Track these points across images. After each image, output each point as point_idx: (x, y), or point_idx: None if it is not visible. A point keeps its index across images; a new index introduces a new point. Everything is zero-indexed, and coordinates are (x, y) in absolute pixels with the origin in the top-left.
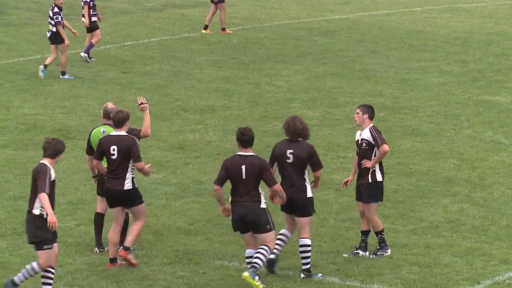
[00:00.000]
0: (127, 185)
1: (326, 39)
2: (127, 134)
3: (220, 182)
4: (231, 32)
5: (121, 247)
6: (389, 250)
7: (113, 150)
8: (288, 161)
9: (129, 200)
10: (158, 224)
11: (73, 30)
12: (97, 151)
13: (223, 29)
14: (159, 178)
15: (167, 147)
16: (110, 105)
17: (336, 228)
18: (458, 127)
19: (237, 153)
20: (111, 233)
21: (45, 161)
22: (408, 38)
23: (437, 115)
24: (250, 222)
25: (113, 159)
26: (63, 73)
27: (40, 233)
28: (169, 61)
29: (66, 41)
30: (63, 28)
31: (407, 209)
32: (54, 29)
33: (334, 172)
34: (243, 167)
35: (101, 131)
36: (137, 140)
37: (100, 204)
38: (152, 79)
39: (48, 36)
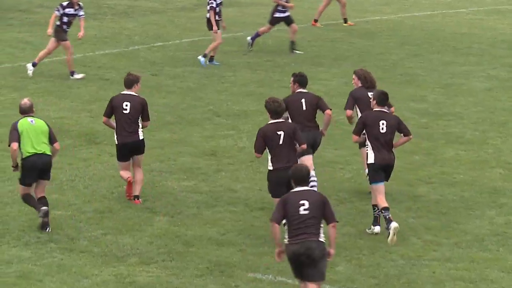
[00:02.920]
0: (141, 136)
1: (366, 41)
2: (137, 94)
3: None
4: (321, 26)
5: (134, 198)
6: (376, 228)
7: (126, 105)
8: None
9: (142, 148)
10: (189, 234)
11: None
12: (108, 108)
13: (315, 21)
14: (189, 186)
15: (198, 153)
16: (24, 100)
17: (375, 241)
18: (505, 135)
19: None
20: (124, 173)
21: None
22: (452, 40)
23: (483, 122)
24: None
25: (126, 113)
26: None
27: None
28: (201, 64)
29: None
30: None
31: (451, 221)
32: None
33: None
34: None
35: (29, 120)
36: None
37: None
38: (182, 82)
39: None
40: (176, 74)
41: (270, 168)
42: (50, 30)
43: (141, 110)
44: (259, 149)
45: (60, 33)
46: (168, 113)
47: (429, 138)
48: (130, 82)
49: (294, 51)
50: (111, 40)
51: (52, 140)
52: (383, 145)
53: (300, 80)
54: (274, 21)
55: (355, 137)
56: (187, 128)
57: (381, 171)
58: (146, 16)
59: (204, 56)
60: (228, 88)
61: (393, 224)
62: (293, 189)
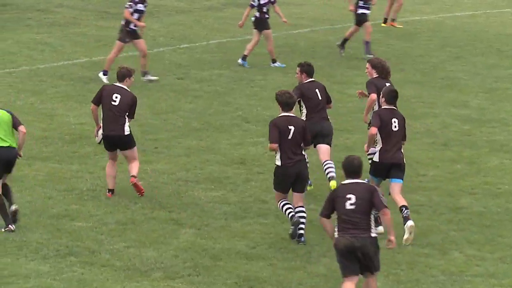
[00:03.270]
0: (127, 131)
1: (404, 43)
2: (128, 89)
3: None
4: (400, 27)
5: (131, 176)
6: (379, 228)
7: (116, 97)
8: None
9: (128, 143)
10: (216, 247)
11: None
12: (97, 96)
13: (392, 21)
14: (217, 196)
15: (227, 161)
16: None
17: (414, 255)
18: None
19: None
20: (110, 167)
21: None
22: (496, 42)
23: None
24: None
25: (114, 105)
26: None
27: None
28: (229, 66)
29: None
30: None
31: (495, 234)
32: (257, 14)
33: (413, 191)
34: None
35: (5, 111)
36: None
37: None
38: (210, 86)
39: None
40: (203, 77)
41: (278, 163)
42: (141, 23)
43: (130, 106)
44: (275, 139)
45: (125, 34)
46: (194, 119)
47: (472, 146)
48: (122, 75)
49: (341, 50)
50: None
51: (16, 124)
52: (395, 144)
53: (308, 70)
54: (360, 20)
55: (374, 129)
56: (214, 135)
57: (384, 170)
58: (172, 16)
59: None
60: (258, 92)
61: (409, 223)
62: (297, 185)
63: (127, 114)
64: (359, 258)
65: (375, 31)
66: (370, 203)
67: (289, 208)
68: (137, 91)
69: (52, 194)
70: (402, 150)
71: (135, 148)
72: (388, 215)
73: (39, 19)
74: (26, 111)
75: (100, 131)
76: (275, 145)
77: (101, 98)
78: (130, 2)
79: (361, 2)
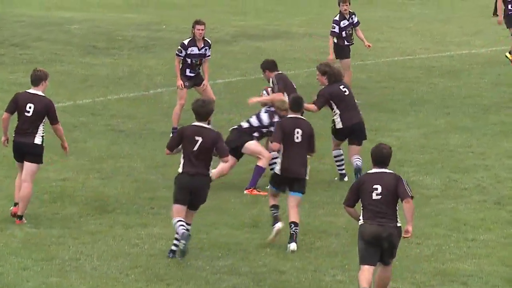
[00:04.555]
0: (37, 140)
1: (450, 81)
2: (43, 95)
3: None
4: None
5: (17, 217)
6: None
7: (29, 107)
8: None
9: (36, 155)
10: None
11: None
12: (11, 103)
13: None
14: (225, 265)
15: (237, 224)
16: None
17: None
18: None
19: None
20: (19, 179)
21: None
22: None
23: None
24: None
25: (28, 116)
26: None
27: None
28: (239, 110)
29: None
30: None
31: None
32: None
33: (460, 259)
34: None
35: None
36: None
37: None
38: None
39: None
40: (215, 122)
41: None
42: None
43: (46, 113)
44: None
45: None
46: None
47: None
48: (38, 78)
49: None
50: (127, 81)
51: None
52: (297, 156)
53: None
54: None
55: (276, 145)
56: (222, 192)
57: (284, 182)
58: (171, 50)
59: None
60: None
61: (278, 225)
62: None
63: (42, 123)
64: (384, 247)
65: (415, 66)
66: (396, 193)
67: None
68: (129, 140)
69: (28, 264)
70: (307, 164)
71: (39, 166)
72: (411, 204)
73: (14, 55)
74: None
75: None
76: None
77: (16, 107)
78: (180, 46)
79: None
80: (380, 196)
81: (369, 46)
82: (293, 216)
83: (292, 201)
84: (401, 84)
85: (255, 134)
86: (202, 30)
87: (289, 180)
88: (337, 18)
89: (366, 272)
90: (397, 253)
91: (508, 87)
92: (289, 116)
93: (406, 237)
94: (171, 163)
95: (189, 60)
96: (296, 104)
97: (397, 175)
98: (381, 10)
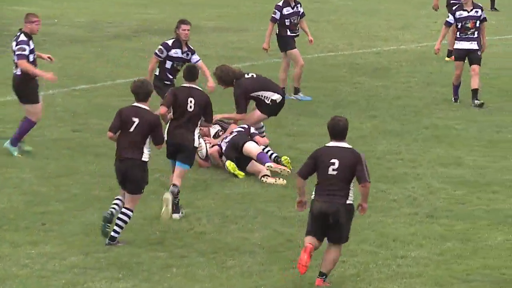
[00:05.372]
0: None
1: (377, 80)
2: None
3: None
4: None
5: None
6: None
7: None
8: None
9: None
10: None
11: None
12: None
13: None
14: None
15: (139, 241)
16: None
17: None
18: None
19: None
20: None
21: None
22: (498, 79)
23: None
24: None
25: None
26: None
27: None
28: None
29: None
30: None
31: None
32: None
33: (389, 279)
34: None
35: None
36: None
37: None
38: None
39: None
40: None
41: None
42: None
43: None
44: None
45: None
46: (96, 185)
47: (466, 218)
48: None
49: None
50: (11, 83)
51: None
52: (186, 123)
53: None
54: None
55: (163, 109)
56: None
57: (171, 150)
58: (65, 46)
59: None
60: None
61: (165, 195)
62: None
63: None
64: (330, 224)
65: (335, 65)
66: (353, 171)
67: (114, 204)
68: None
69: None
70: (195, 133)
71: None
72: (368, 188)
73: None
74: None
75: None
76: (110, 134)
77: None
78: (161, 46)
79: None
80: (336, 172)
81: (311, 41)
82: (175, 180)
83: (176, 171)
84: (322, 84)
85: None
86: (188, 30)
87: (175, 147)
88: (280, 3)
89: (310, 240)
90: None
91: (441, 87)
92: (182, 85)
93: (361, 213)
94: (65, 173)
95: (169, 64)
96: (190, 74)
97: (357, 153)
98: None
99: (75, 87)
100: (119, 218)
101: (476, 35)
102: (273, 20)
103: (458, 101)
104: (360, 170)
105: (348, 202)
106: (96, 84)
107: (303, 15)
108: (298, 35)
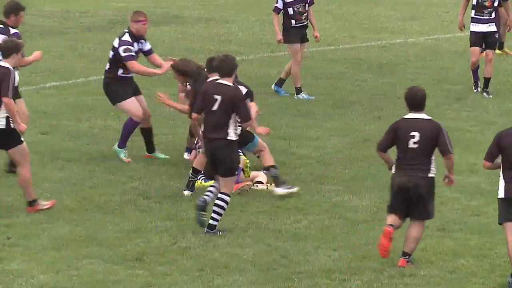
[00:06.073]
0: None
1: (382, 77)
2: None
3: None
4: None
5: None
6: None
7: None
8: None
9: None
10: None
11: None
12: None
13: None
14: None
15: (116, 258)
16: None
17: None
18: None
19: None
20: None
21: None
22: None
23: None
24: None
25: None
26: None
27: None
28: (118, 114)
29: None
30: None
31: None
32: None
33: None
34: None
35: None
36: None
37: None
38: (93, 145)
39: None
40: (81, 131)
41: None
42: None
43: None
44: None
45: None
46: (67, 194)
47: (480, 232)
48: (7, 49)
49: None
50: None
51: None
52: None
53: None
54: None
55: (195, 115)
56: (98, 218)
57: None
58: (34, 40)
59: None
60: (163, 151)
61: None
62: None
63: None
64: (412, 199)
65: (335, 60)
66: (434, 143)
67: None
68: None
69: None
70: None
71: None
72: (452, 160)
73: None
74: None
75: None
76: (195, 115)
77: None
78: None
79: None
80: (417, 145)
81: (317, 37)
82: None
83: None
84: (320, 81)
85: None
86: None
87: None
88: None
89: (392, 218)
90: None
91: (453, 85)
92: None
93: (448, 184)
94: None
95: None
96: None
97: (437, 124)
98: None
99: (44, 85)
100: (216, 205)
101: (493, 16)
102: (276, 10)
103: (478, 84)
104: (443, 142)
105: (430, 175)
106: (68, 81)
107: (311, 2)
108: (306, 26)
